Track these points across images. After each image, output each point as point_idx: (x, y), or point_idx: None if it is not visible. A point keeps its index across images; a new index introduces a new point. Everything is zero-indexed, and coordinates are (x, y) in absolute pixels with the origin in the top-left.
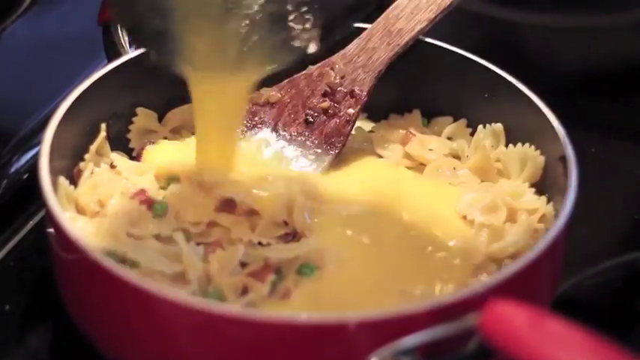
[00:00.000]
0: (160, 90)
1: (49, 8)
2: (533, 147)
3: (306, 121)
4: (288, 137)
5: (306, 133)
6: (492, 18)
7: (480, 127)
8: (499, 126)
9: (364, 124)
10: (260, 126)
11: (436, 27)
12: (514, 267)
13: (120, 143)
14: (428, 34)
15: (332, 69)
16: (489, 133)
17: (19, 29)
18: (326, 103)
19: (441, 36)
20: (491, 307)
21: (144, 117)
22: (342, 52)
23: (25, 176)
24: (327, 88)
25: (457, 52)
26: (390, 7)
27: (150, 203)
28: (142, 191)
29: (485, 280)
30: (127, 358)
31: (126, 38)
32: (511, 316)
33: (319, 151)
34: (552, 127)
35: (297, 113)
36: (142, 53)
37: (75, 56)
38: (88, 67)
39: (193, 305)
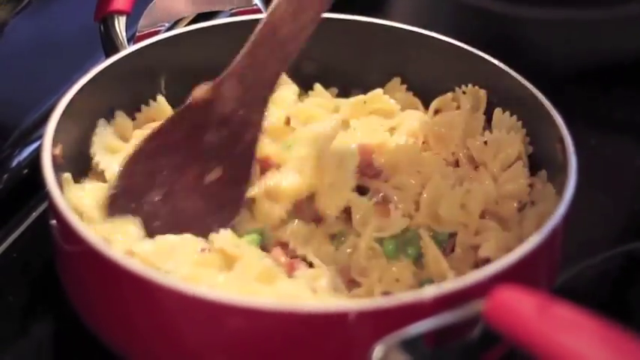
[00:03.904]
0: (158, 84)
1: (50, 4)
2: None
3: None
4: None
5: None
6: (491, 11)
7: (463, 87)
8: (482, 92)
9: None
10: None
11: (434, 20)
12: (517, 254)
13: None
14: (428, 26)
15: (222, 91)
16: (470, 94)
17: (19, 25)
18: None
19: (438, 28)
20: (497, 293)
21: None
22: (227, 71)
23: (27, 170)
24: (221, 117)
25: (454, 44)
26: (268, 14)
27: None
28: None
29: (489, 267)
30: (130, 348)
31: (123, 33)
32: (517, 302)
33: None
34: (549, 114)
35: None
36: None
37: (75, 51)
38: (87, 62)
39: (196, 295)
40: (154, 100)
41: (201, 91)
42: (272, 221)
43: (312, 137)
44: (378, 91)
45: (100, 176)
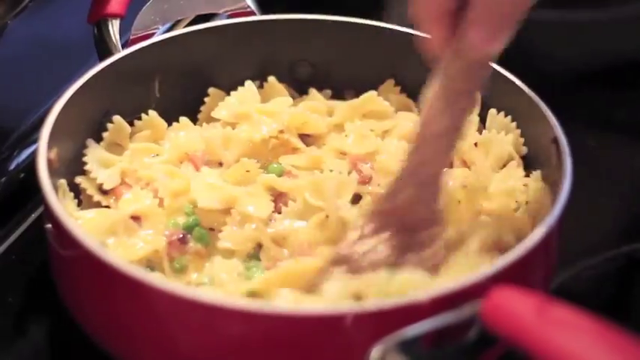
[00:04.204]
0: (153, 86)
1: (47, 7)
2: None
3: None
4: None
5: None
6: None
7: None
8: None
9: None
10: None
11: None
12: (513, 255)
13: None
14: None
15: (397, 194)
16: None
17: (17, 28)
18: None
19: None
20: (494, 294)
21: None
22: (394, 178)
23: (24, 173)
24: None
25: None
26: (423, 111)
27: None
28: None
29: (486, 268)
30: (125, 351)
31: (117, 37)
32: (514, 303)
33: None
34: (544, 115)
35: None
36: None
37: (73, 55)
38: (85, 65)
39: (191, 298)
40: (149, 102)
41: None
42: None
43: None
44: (372, 93)
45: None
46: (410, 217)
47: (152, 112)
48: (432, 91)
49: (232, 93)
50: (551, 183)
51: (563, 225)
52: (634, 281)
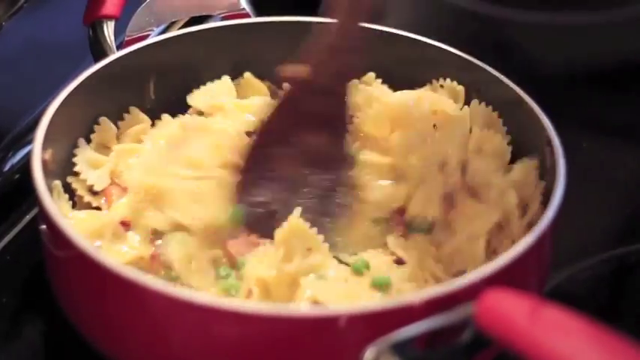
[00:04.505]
0: (148, 88)
1: (43, 8)
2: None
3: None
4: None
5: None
6: (484, 15)
7: (441, 81)
8: (460, 88)
9: None
10: None
11: (428, 24)
12: (506, 257)
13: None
14: (416, 31)
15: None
16: (447, 89)
17: (12, 29)
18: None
19: (428, 32)
20: (487, 296)
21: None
22: (312, 46)
23: (19, 174)
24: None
25: (441, 48)
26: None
27: None
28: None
29: (479, 270)
30: (119, 352)
31: (112, 38)
32: (508, 305)
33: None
34: (537, 117)
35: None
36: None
37: (69, 55)
38: (81, 66)
39: (185, 299)
40: (144, 103)
41: (292, 68)
42: None
43: None
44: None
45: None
46: (316, 153)
47: (134, 109)
48: None
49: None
50: (545, 185)
51: (556, 227)
52: (628, 284)
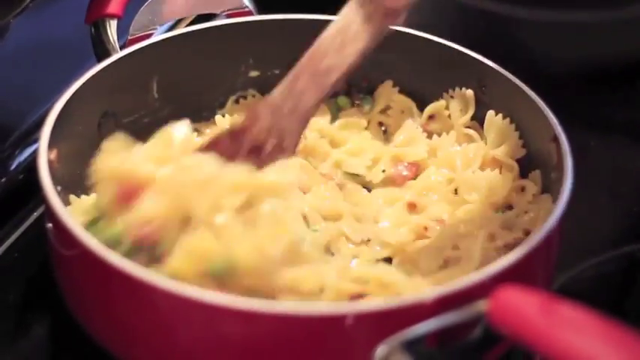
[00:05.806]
0: (151, 86)
1: (48, 7)
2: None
3: None
4: None
5: None
6: (492, 13)
7: (451, 92)
8: (470, 92)
9: None
10: None
11: (429, 20)
12: (515, 255)
13: None
14: (423, 28)
15: (257, 121)
16: (458, 98)
17: (17, 28)
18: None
19: (433, 29)
20: (500, 293)
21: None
22: (267, 99)
23: (25, 173)
24: (253, 145)
25: (447, 45)
26: (315, 44)
27: None
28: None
29: (491, 267)
30: (126, 350)
31: (115, 37)
32: (521, 302)
33: None
34: (543, 113)
35: None
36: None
37: (74, 54)
38: (86, 65)
39: (193, 298)
40: (148, 103)
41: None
42: None
43: None
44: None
45: None
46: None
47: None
48: (327, 30)
49: None
50: (552, 182)
51: (564, 225)
52: (635, 282)
